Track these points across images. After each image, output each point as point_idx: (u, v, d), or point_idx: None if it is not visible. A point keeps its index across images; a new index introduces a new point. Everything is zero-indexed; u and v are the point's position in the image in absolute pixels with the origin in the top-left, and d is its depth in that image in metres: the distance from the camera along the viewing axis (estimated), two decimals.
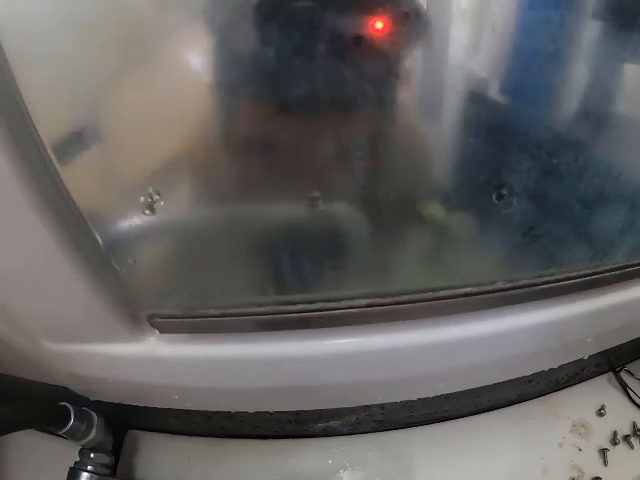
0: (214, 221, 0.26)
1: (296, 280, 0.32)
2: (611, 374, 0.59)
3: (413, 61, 0.25)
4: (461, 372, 0.40)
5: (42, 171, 0.22)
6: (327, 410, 0.41)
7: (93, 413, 0.43)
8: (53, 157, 0.22)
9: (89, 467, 0.43)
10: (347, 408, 0.40)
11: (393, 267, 0.35)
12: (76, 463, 0.43)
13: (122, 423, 0.50)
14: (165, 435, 0.51)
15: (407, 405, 0.41)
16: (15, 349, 0.37)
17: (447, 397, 0.42)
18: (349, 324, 0.34)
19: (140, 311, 0.29)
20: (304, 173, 0.27)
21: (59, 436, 0.42)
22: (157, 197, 0.22)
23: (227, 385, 0.33)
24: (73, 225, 0.24)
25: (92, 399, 0.41)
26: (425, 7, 0.23)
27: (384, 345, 0.35)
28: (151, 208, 0.22)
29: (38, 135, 0.22)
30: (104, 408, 0.43)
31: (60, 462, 0.43)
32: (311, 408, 0.39)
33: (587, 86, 0.29)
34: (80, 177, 0.23)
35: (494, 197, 0.31)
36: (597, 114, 0.30)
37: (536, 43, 0.26)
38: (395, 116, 0.27)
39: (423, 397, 0.38)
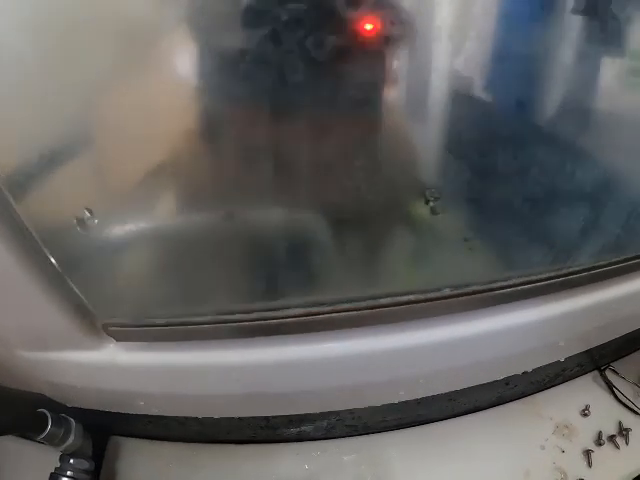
0: (163, 232, 0.27)
1: (255, 287, 0.32)
2: (596, 373, 0.58)
3: (397, 64, 0.25)
4: (429, 377, 0.40)
5: None
6: (295, 415, 0.41)
7: (71, 419, 0.44)
8: (7, 192, 0.23)
9: (69, 472, 0.44)
10: (316, 413, 0.41)
11: (360, 272, 0.35)
12: (56, 469, 0.44)
13: (104, 429, 0.51)
14: (146, 441, 0.52)
15: (377, 410, 0.41)
16: None
17: (419, 402, 0.42)
18: (314, 330, 0.34)
19: (96, 320, 0.30)
20: (270, 179, 0.27)
21: (39, 442, 0.43)
22: (89, 215, 0.23)
23: (186, 392, 0.34)
24: (26, 242, 0.26)
25: (69, 405, 0.42)
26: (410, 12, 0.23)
27: (350, 351, 0.35)
28: (83, 226, 0.23)
29: None
30: (83, 415, 0.44)
31: (41, 467, 0.44)
32: (276, 414, 0.39)
33: (562, 79, 0.29)
34: (31, 200, 0.24)
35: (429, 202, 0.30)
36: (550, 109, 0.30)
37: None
38: (378, 119, 0.27)
39: (390, 403, 0.38)
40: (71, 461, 0.45)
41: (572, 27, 0.27)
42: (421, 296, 0.34)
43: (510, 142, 0.28)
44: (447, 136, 0.28)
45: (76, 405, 0.41)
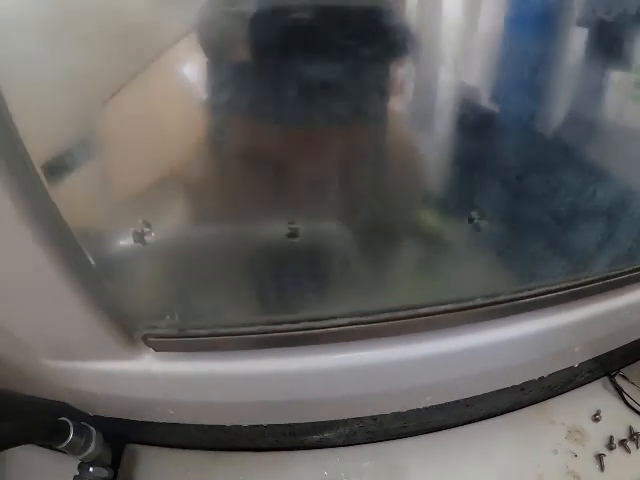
0: (205, 245, 0.27)
1: (281, 301, 0.33)
2: (606, 379, 0.59)
3: (401, 77, 0.25)
4: (450, 384, 0.40)
5: (32, 191, 0.22)
6: (320, 422, 0.41)
7: (92, 428, 0.44)
8: (42, 177, 0.22)
9: None
10: (340, 420, 0.41)
11: (378, 285, 0.35)
12: (75, 477, 0.44)
13: (121, 437, 0.50)
14: (163, 448, 0.51)
15: (399, 416, 0.41)
16: (15, 365, 0.38)
17: (439, 407, 0.43)
18: (339, 341, 0.34)
19: (135, 331, 0.30)
20: (291, 193, 0.28)
21: (59, 450, 0.42)
22: (147, 229, 0.23)
23: (220, 401, 0.33)
24: (65, 244, 0.25)
25: (91, 414, 0.42)
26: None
27: (375, 360, 0.35)
28: (142, 239, 0.23)
29: (28, 155, 0.22)
30: (103, 422, 0.43)
31: (60, 476, 0.44)
32: (303, 421, 0.40)
33: (570, 96, 0.29)
34: (70, 198, 0.23)
35: (469, 218, 0.31)
36: (573, 128, 0.30)
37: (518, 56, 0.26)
38: (380, 133, 0.28)
39: (413, 408, 0.39)
40: (90, 469, 0.44)
41: (577, 39, 0.28)
42: (445, 307, 0.35)
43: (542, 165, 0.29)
44: (482, 156, 0.28)
45: (100, 413, 0.41)
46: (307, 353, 0.34)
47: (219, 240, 0.26)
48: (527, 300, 0.37)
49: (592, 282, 0.39)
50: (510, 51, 0.26)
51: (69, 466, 0.44)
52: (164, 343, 0.29)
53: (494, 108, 0.27)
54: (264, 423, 0.40)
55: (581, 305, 0.40)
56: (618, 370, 0.59)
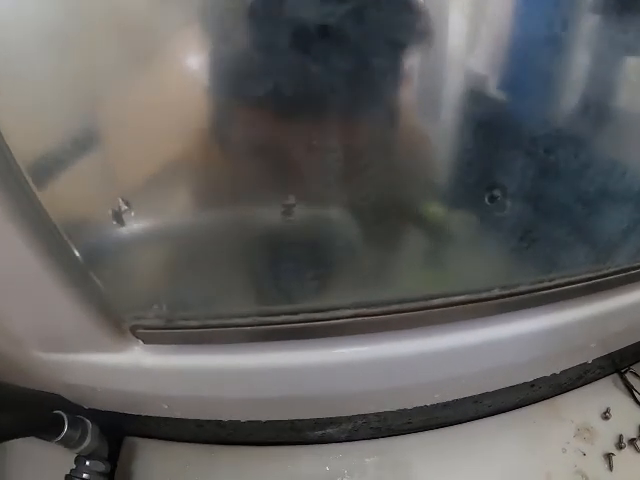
0: (191, 227, 0.26)
1: (279, 291, 0.31)
2: (616, 376, 0.58)
3: (411, 61, 0.24)
4: (458, 380, 0.39)
5: (16, 189, 0.22)
6: (322, 418, 0.40)
7: (87, 421, 0.43)
8: (27, 176, 0.22)
9: (84, 475, 0.43)
10: (343, 416, 0.40)
11: (386, 275, 0.34)
12: (72, 471, 0.43)
13: (119, 430, 0.50)
14: (162, 442, 0.51)
15: (404, 412, 0.40)
16: (9, 358, 0.38)
17: (446, 404, 0.41)
18: (340, 334, 0.33)
19: (123, 322, 0.29)
20: (289, 178, 0.26)
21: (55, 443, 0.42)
22: (126, 207, 0.21)
23: (213, 395, 0.32)
24: (49, 236, 0.24)
25: (86, 407, 0.41)
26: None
27: (378, 355, 0.34)
28: (120, 219, 0.22)
29: (11, 154, 0.21)
30: (99, 415, 0.43)
31: (57, 470, 0.43)
32: (302, 417, 0.38)
33: (587, 79, 0.28)
34: (54, 192, 0.22)
35: (486, 199, 0.29)
36: (598, 108, 0.29)
37: (533, 37, 0.25)
38: (391, 117, 0.26)
39: (419, 405, 0.37)
40: (87, 463, 0.44)
41: (591, 26, 0.26)
42: (457, 299, 0.33)
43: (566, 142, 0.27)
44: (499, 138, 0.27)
45: (94, 407, 0.40)
46: (304, 347, 0.33)
47: (207, 222, 0.25)
48: (545, 292, 0.35)
49: (613, 274, 0.36)
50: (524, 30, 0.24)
51: (66, 459, 0.44)
52: (153, 335, 0.28)
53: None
54: (262, 419, 0.39)
55: (601, 298, 0.38)
56: (629, 367, 0.57)
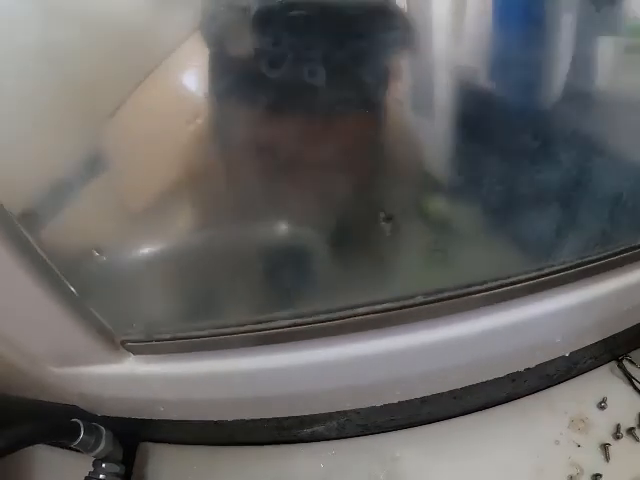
0: (170, 255, 0.30)
1: (258, 300, 0.34)
2: (613, 364, 0.57)
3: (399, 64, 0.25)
4: (434, 376, 0.40)
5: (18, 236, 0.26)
6: (305, 416, 0.43)
7: (101, 427, 0.48)
8: (22, 229, 0.26)
9: (101, 476, 0.48)
10: (324, 414, 0.43)
11: (365, 276, 0.36)
12: (90, 473, 0.48)
13: (133, 436, 0.55)
14: (171, 445, 0.55)
15: (381, 410, 0.42)
16: (29, 375, 0.43)
17: (423, 400, 0.43)
18: (317, 336, 0.35)
19: (115, 337, 0.33)
20: (280, 189, 0.28)
21: (73, 449, 0.47)
22: (97, 254, 0.26)
23: (198, 397, 0.36)
24: (50, 275, 0.29)
25: (98, 415, 0.46)
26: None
27: (356, 353, 0.36)
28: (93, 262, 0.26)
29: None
30: (110, 422, 0.47)
31: (77, 473, 0.48)
32: (281, 415, 0.41)
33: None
34: (45, 236, 0.27)
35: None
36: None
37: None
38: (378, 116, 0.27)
39: (390, 402, 0.39)
40: (103, 465, 0.49)
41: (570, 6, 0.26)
42: (429, 297, 0.34)
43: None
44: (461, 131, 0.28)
45: (104, 414, 0.44)
46: (285, 350, 0.35)
47: (186, 244, 0.28)
48: (523, 284, 0.35)
49: (605, 258, 0.36)
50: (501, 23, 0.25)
51: (85, 463, 0.49)
52: (140, 347, 0.32)
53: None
54: (247, 417, 0.42)
55: (581, 286, 0.38)
56: (625, 354, 0.57)
